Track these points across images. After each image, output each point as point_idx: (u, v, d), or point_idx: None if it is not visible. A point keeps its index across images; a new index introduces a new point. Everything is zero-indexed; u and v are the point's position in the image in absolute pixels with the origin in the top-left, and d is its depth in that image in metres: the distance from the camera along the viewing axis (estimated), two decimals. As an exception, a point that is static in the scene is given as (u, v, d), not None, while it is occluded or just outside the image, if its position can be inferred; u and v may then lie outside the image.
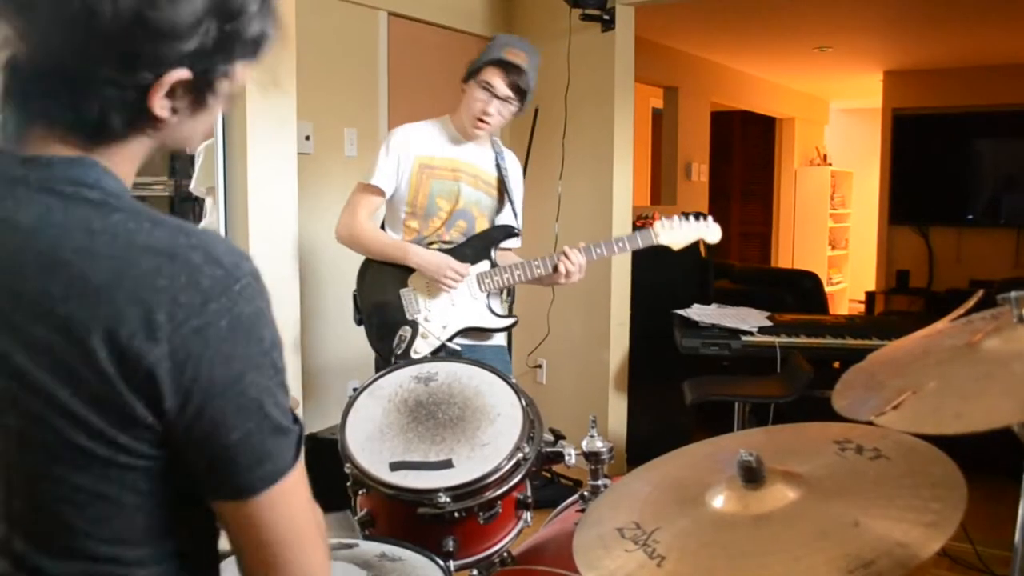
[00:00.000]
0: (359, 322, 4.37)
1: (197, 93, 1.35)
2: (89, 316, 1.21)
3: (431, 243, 4.29)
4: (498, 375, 3.17)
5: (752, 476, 1.79)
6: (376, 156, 4.28)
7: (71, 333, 1.22)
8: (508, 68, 4.17)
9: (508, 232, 4.42)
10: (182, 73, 1.29)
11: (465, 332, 4.30)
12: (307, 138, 5.71)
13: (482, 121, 4.21)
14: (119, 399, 1.23)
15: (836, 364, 6.38)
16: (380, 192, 4.24)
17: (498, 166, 4.44)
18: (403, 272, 4.26)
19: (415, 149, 4.25)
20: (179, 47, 1.27)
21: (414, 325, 4.20)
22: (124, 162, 1.38)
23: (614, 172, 6.80)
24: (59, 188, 1.28)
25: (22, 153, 1.32)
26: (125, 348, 1.21)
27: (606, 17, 6.63)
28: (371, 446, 2.86)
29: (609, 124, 6.80)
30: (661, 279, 7.00)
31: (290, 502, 1.36)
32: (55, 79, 1.28)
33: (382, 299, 4.27)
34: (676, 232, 4.52)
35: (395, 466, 2.76)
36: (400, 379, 3.18)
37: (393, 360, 3.81)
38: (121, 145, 1.36)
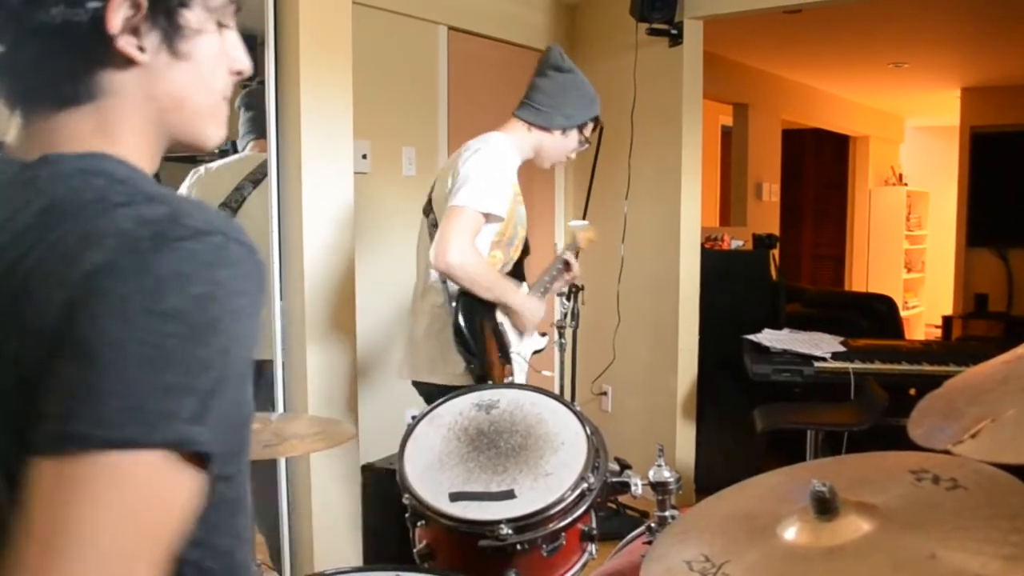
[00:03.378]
0: (468, 362, 4.14)
1: (163, 27, 1.34)
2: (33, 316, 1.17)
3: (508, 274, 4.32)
4: (561, 402, 3.16)
5: (825, 507, 1.78)
6: (484, 177, 4.07)
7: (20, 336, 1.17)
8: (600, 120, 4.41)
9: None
10: None
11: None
12: (364, 157, 5.74)
13: (562, 163, 4.40)
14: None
15: (912, 391, 6.32)
16: (498, 220, 4.13)
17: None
18: (491, 308, 4.20)
19: (511, 174, 4.24)
20: None
21: (510, 358, 4.21)
22: (129, 135, 1.37)
23: (682, 192, 6.77)
24: (70, 194, 1.27)
25: (30, 156, 1.33)
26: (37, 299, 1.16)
27: (674, 31, 6.62)
28: (430, 476, 2.86)
29: (677, 142, 6.77)
30: (730, 303, 6.97)
31: (82, 493, 1.08)
32: (17, 50, 1.31)
33: (488, 337, 4.20)
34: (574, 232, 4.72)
35: (455, 497, 2.76)
36: (460, 406, 3.17)
37: None
38: (113, 107, 1.35)
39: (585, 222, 4.87)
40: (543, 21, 7.31)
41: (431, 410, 3.18)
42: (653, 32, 6.59)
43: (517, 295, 4.21)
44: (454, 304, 4.18)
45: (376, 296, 5.79)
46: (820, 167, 14.28)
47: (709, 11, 6.66)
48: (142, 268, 1.14)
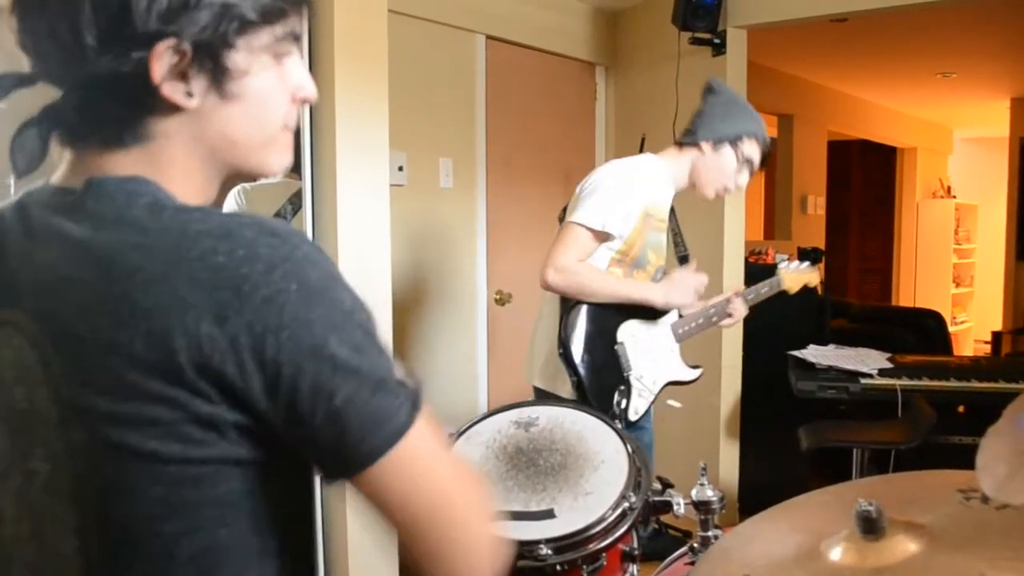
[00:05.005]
0: (576, 386, 4.18)
1: (210, 71, 1.38)
2: (152, 305, 1.23)
3: None
4: (602, 420, 3.16)
5: (871, 527, 1.77)
6: (602, 195, 4.13)
7: (136, 328, 1.23)
8: (766, 144, 4.33)
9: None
10: (170, 42, 1.32)
11: (664, 387, 4.34)
12: (400, 168, 5.75)
13: (727, 190, 4.35)
14: (195, 390, 1.24)
15: (961, 408, 6.30)
16: (609, 239, 4.15)
17: (672, 211, 4.50)
18: (612, 327, 4.21)
19: (644, 196, 4.21)
20: (161, 18, 1.31)
21: (627, 383, 4.18)
22: (178, 173, 1.42)
23: (725, 205, 6.75)
24: (112, 200, 1.33)
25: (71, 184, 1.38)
26: (194, 334, 1.22)
27: (717, 41, 6.61)
28: (468, 495, 2.86)
29: (720, 154, 6.73)
30: (775, 319, 6.94)
31: (419, 465, 1.36)
32: (69, 96, 1.37)
33: (599, 359, 4.19)
34: (793, 275, 4.63)
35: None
36: (499, 424, 3.17)
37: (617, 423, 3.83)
38: (160, 150, 1.40)
39: (803, 264, 4.82)
40: (583, 30, 7.31)
41: (469, 427, 3.17)
42: (696, 41, 6.58)
43: (643, 288, 4.20)
44: (561, 317, 4.22)
45: (412, 311, 5.80)
46: (867, 179, 14.24)
47: (753, 20, 6.64)
48: (310, 284, 1.29)
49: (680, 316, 4.35)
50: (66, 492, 1.30)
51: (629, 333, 4.21)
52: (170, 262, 1.25)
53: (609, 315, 4.21)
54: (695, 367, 4.49)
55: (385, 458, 1.31)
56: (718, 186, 4.32)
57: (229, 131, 1.45)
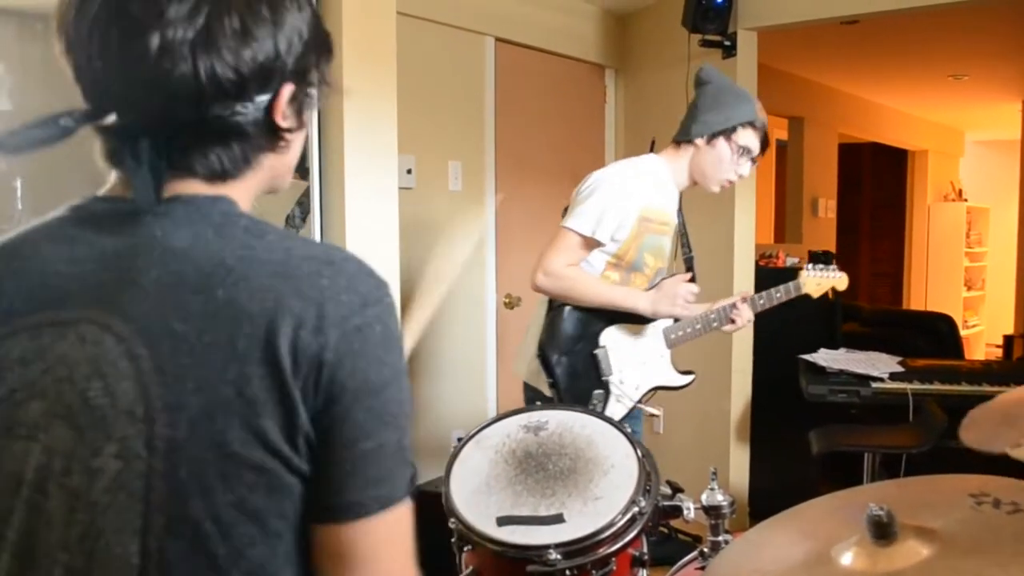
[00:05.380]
0: (552, 386, 4.23)
1: (300, 105, 1.47)
2: (258, 310, 1.29)
3: None
4: (612, 424, 3.15)
5: (883, 532, 1.77)
6: (593, 201, 4.13)
7: (239, 329, 1.28)
8: (762, 126, 4.26)
9: (687, 278, 4.38)
10: (291, 87, 1.41)
11: (650, 392, 4.32)
12: (409, 171, 5.76)
13: (731, 182, 4.29)
14: (286, 394, 1.28)
15: (972, 412, 6.29)
16: (599, 245, 4.16)
17: (679, 211, 4.47)
18: (596, 331, 4.21)
19: (639, 200, 4.18)
20: (287, 65, 1.40)
21: (606, 387, 4.18)
22: (245, 194, 1.48)
23: (736, 208, 6.76)
24: (207, 218, 1.39)
25: (140, 203, 1.40)
26: (294, 338, 1.28)
27: (727, 43, 6.60)
28: (477, 500, 2.86)
29: (730, 157, 6.72)
30: (785, 323, 6.93)
31: (393, 540, 1.39)
32: (183, 130, 1.40)
33: (578, 362, 4.20)
34: (817, 280, 4.56)
35: (502, 521, 2.75)
36: (508, 428, 3.17)
37: None
38: (244, 179, 1.46)
39: (828, 269, 4.70)
40: (593, 32, 7.31)
41: (477, 432, 3.18)
42: (706, 44, 6.57)
43: (631, 296, 4.18)
44: (544, 319, 4.27)
45: (421, 315, 5.80)
46: (877, 182, 14.23)
47: (763, 22, 6.64)
48: (391, 331, 1.40)
49: (676, 320, 4.32)
50: (137, 491, 1.31)
51: (612, 338, 4.20)
52: (277, 275, 1.33)
53: (593, 319, 4.21)
54: (687, 372, 4.44)
55: (374, 518, 1.35)
56: (720, 179, 4.30)
57: (291, 158, 1.54)
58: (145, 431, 1.30)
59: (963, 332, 10.65)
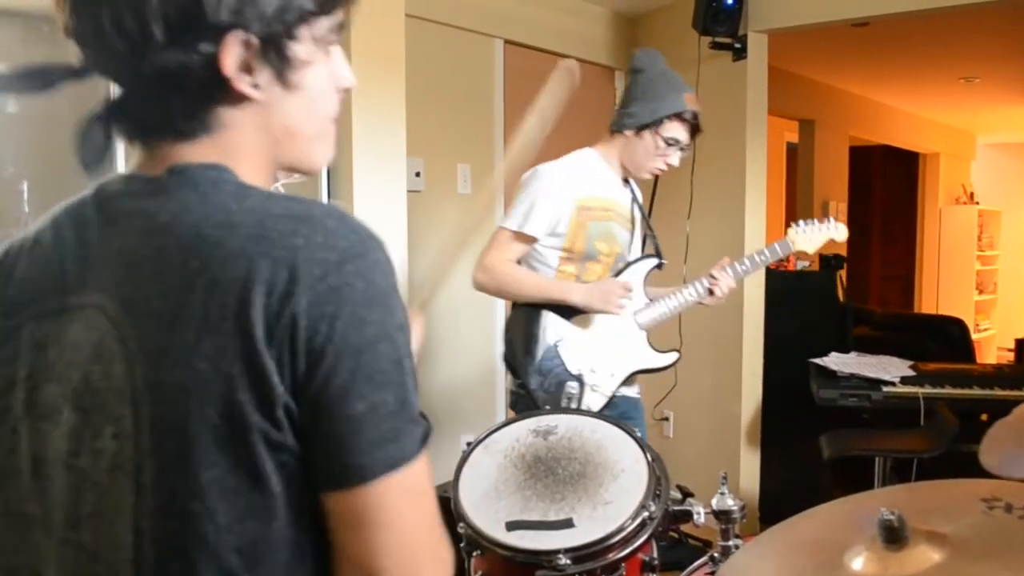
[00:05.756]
0: (519, 387, 4.26)
1: (274, 62, 1.42)
2: (228, 278, 1.26)
3: None
4: (622, 428, 3.15)
5: (894, 536, 1.77)
6: (522, 198, 4.20)
7: (211, 300, 1.26)
8: (691, 117, 4.23)
9: (654, 261, 4.42)
10: (240, 34, 1.36)
11: (630, 378, 4.31)
12: (417, 175, 5.75)
13: (661, 170, 4.29)
14: (260, 365, 1.26)
15: (984, 416, 6.27)
16: (532, 240, 4.19)
17: (633, 198, 4.47)
18: (553, 325, 4.22)
19: (573, 190, 4.20)
20: (226, 10, 1.34)
21: (580, 379, 4.18)
22: (246, 163, 1.46)
23: (746, 211, 6.77)
24: (196, 187, 1.37)
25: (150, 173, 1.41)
26: (265, 305, 1.25)
27: (738, 45, 6.61)
28: (486, 504, 2.86)
29: (741, 159, 6.76)
30: (796, 326, 6.94)
31: (408, 502, 1.34)
32: (133, 90, 1.41)
33: (540, 358, 4.20)
34: (809, 236, 4.52)
35: (512, 526, 2.76)
36: (517, 432, 3.17)
37: None
38: (230, 140, 1.44)
39: (821, 223, 4.62)
40: (603, 35, 7.32)
41: (487, 436, 3.18)
42: (716, 46, 6.57)
43: (563, 288, 4.17)
44: (506, 322, 4.32)
45: (429, 319, 5.80)
46: (889, 185, 14.20)
47: (774, 24, 6.64)
48: (375, 287, 1.34)
49: (649, 301, 4.32)
50: (129, 471, 1.32)
51: (574, 329, 4.21)
52: (249, 238, 1.29)
53: (550, 314, 4.22)
54: (671, 351, 4.42)
55: (380, 481, 1.31)
56: (649, 168, 4.31)
57: (290, 122, 1.49)
58: (133, 411, 1.31)
59: (975, 336, 10.64)
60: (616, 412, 4.17)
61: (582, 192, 4.21)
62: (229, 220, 1.32)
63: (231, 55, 1.36)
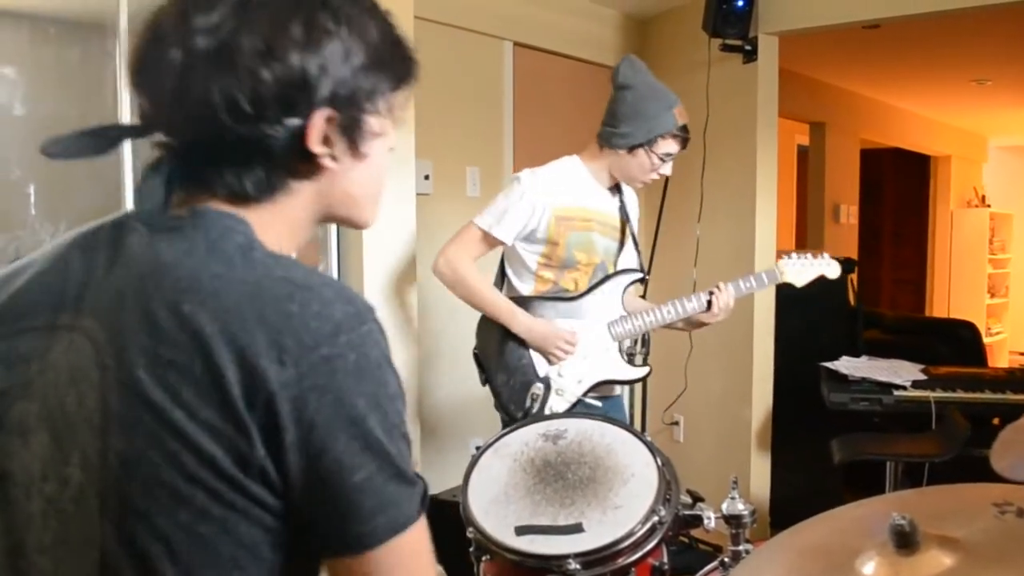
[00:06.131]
0: (484, 382, 4.33)
1: (349, 134, 1.45)
2: (218, 331, 1.26)
3: (570, 295, 4.29)
4: (632, 432, 3.16)
5: (905, 541, 1.77)
6: (499, 200, 4.25)
7: (198, 349, 1.26)
8: (683, 131, 4.26)
9: (635, 275, 4.43)
10: (327, 112, 1.39)
11: (597, 386, 4.30)
12: (426, 177, 5.75)
13: (653, 180, 4.34)
14: (239, 423, 1.26)
15: (996, 420, 6.26)
16: (497, 243, 4.25)
17: (621, 207, 4.47)
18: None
19: (551, 199, 4.21)
20: (319, 89, 1.37)
21: (546, 382, 4.20)
22: (286, 228, 1.48)
23: (756, 214, 6.75)
24: (206, 234, 1.37)
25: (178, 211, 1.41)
26: (252, 367, 1.25)
27: (748, 47, 6.59)
28: (495, 509, 2.87)
29: (751, 162, 6.74)
30: (806, 329, 6.94)
31: (412, 561, 1.37)
32: (203, 151, 1.41)
33: (509, 356, 4.24)
34: (800, 269, 4.53)
35: (521, 530, 2.76)
36: (527, 437, 3.18)
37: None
38: (286, 204, 1.47)
39: (816, 257, 4.65)
40: (612, 37, 7.31)
41: (496, 440, 3.19)
42: (727, 48, 6.56)
43: (510, 312, 4.22)
44: (479, 319, 4.37)
45: (438, 322, 5.80)
46: (900, 188, 14.17)
47: (785, 26, 6.63)
48: (368, 359, 1.34)
49: (626, 314, 4.33)
50: (93, 503, 1.31)
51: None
52: (244, 296, 1.30)
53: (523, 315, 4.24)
54: (643, 366, 4.47)
55: (384, 546, 1.33)
56: (642, 180, 4.35)
57: (353, 189, 1.53)
58: (100, 444, 1.30)
59: (986, 339, 10.61)
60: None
61: (561, 201, 4.24)
62: (230, 274, 1.33)
63: (316, 130, 1.39)
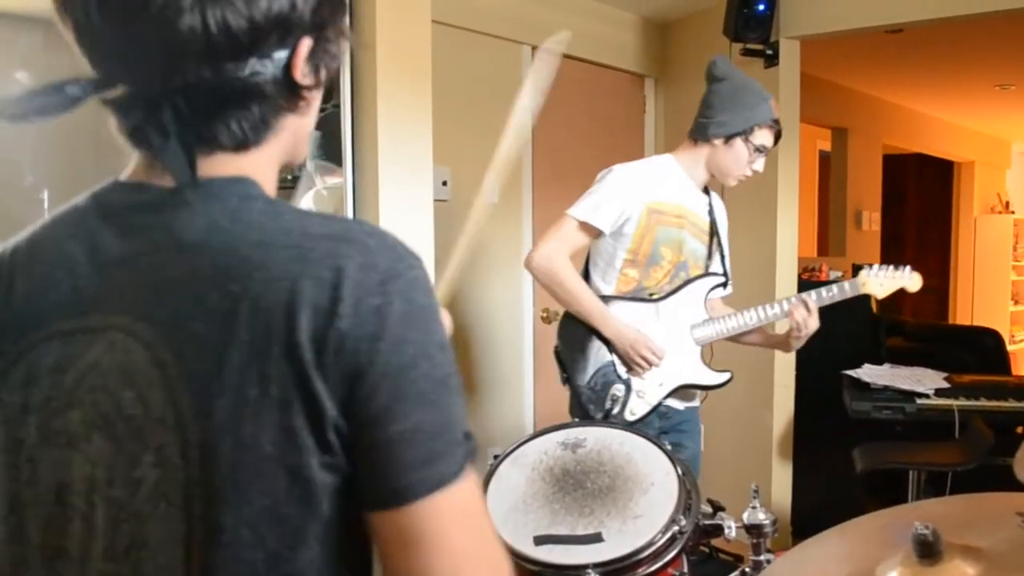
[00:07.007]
0: (565, 381, 4.34)
1: (318, 61, 1.42)
2: (275, 301, 1.25)
3: (651, 294, 4.31)
4: (652, 441, 3.15)
5: (928, 551, 1.77)
6: (592, 192, 4.26)
7: (257, 326, 1.25)
8: (777, 124, 4.30)
9: (717, 279, 4.47)
10: (309, 40, 1.37)
11: (678, 390, 4.33)
12: (444, 184, 5.75)
13: (747, 176, 4.35)
14: (311, 388, 1.25)
15: (1020, 429, 6.24)
16: (596, 233, 4.24)
17: (710, 211, 4.49)
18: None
19: (644, 193, 4.24)
20: (304, 15, 1.35)
21: (628, 384, 4.21)
22: (267, 168, 1.45)
23: (778, 220, 6.76)
24: (224, 203, 1.35)
25: (175, 182, 1.36)
26: (312, 327, 1.24)
27: (769, 52, 6.60)
28: (514, 518, 2.87)
29: (772, 168, 6.67)
30: (828, 337, 6.90)
31: (455, 522, 1.31)
32: (197, 104, 1.35)
33: (592, 357, 4.26)
34: (881, 280, 4.55)
35: (540, 540, 2.76)
36: (545, 445, 3.18)
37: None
38: (275, 147, 1.44)
39: (896, 269, 4.69)
40: (633, 41, 7.31)
41: (515, 449, 3.18)
42: (748, 53, 6.56)
43: (603, 316, 4.21)
44: (562, 315, 4.37)
45: (458, 330, 5.80)
46: (922, 194, 14.15)
47: (806, 31, 6.62)
48: (415, 306, 1.32)
49: (709, 318, 4.34)
50: (176, 499, 1.29)
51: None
52: (291, 259, 1.28)
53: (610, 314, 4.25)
54: (723, 371, 4.47)
55: (424, 501, 1.28)
56: (737, 175, 4.35)
57: (311, 123, 1.50)
58: (179, 439, 1.28)
59: (1010, 347, 10.59)
60: (670, 423, 4.33)
61: (654, 195, 4.25)
62: (266, 240, 1.30)
63: (301, 59, 1.37)
